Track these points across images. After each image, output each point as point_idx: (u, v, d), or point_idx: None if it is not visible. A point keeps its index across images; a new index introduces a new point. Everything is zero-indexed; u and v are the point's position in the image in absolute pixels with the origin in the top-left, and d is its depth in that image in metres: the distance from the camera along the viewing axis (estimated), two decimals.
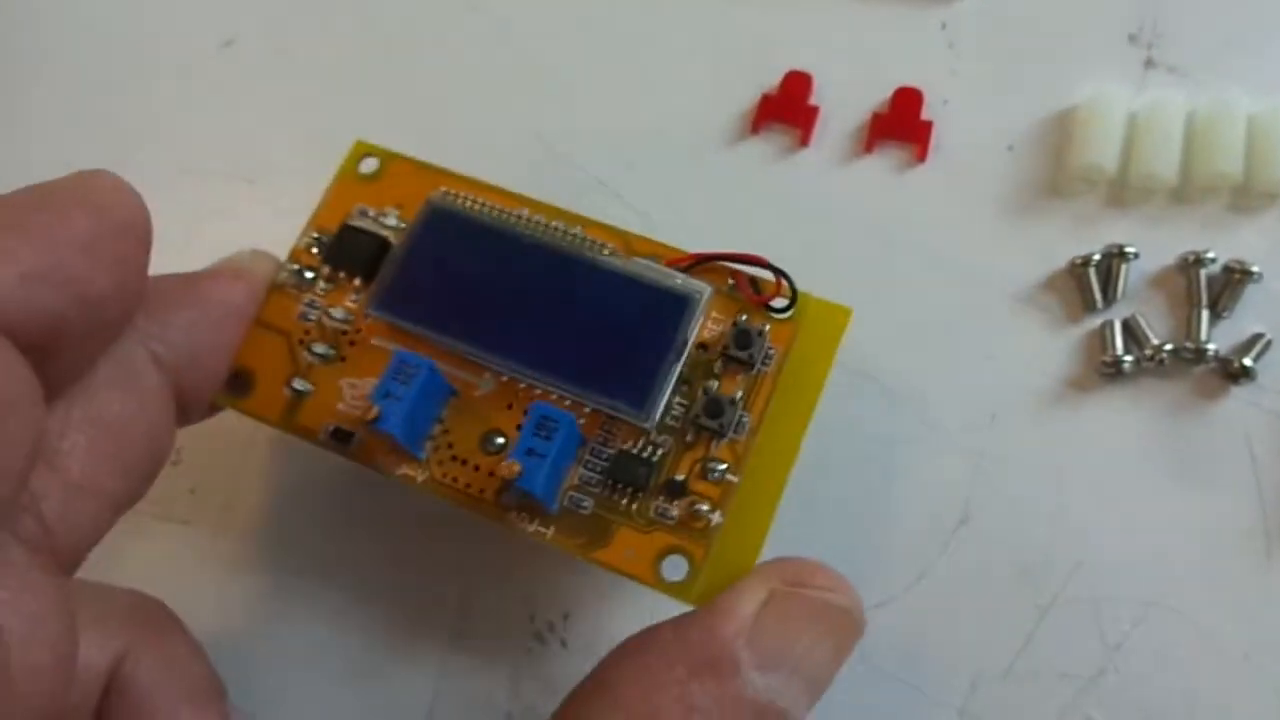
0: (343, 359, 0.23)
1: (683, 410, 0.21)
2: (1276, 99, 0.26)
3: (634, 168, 0.28)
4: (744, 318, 0.22)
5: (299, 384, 0.23)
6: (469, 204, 0.24)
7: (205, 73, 0.30)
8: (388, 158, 0.25)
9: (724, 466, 0.21)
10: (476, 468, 0.22)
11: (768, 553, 0.21)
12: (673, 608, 0.20)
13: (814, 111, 0.27)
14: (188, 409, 0.22)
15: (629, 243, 0.23)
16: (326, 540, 0.26)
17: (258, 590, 0.26)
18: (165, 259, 0.28)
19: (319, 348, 0.23)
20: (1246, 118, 0.25)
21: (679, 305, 0.22)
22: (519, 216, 0.23)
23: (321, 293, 0.24)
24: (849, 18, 0.28)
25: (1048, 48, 0.27)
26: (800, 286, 0.22)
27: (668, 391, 0.21)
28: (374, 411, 0.21)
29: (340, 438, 0.22)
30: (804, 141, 0.27)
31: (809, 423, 0.21)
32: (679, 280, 0.22)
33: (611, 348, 0.22)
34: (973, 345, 0.25)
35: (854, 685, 0.24)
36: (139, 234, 0.18)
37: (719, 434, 0.21)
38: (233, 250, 0.24)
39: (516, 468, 0.20)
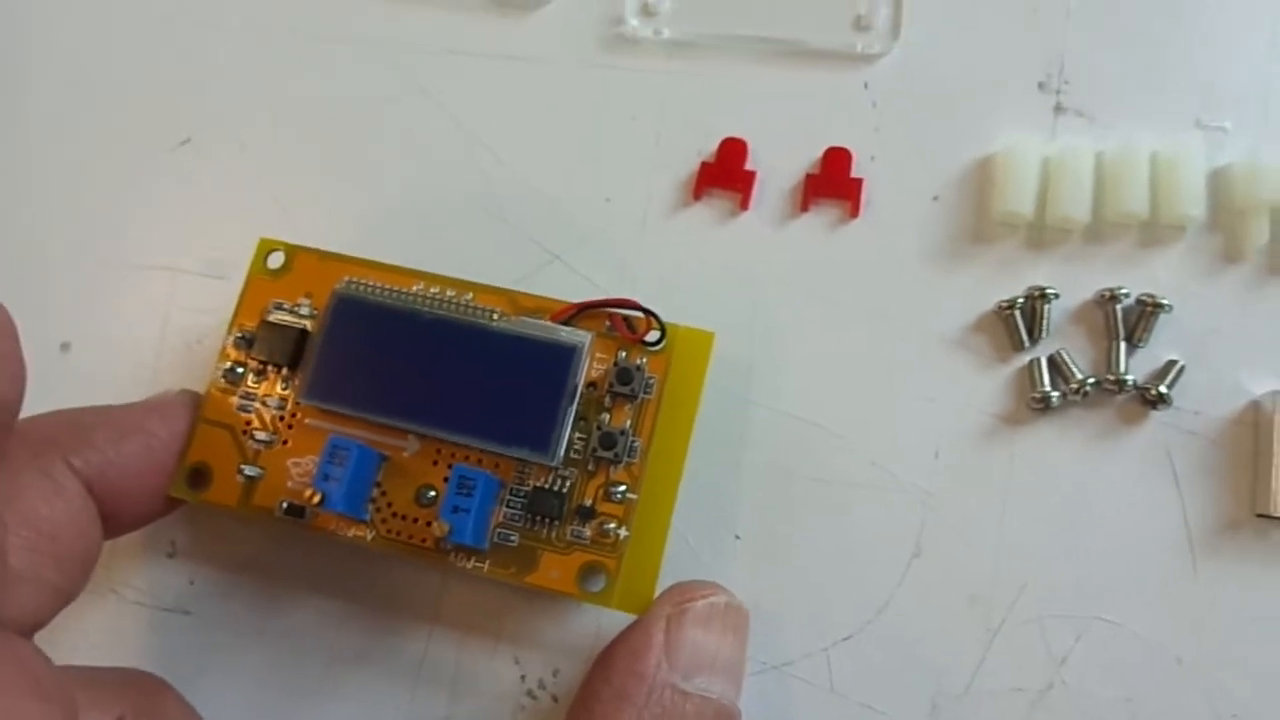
0: (284, 442, 0.26)
1: (583, 444, 0.25)
2: (1177, 136, 0.28)
3: (586, 240, 0.29)
4: (623, 355, 0.25)
5: (249, 470, 0.26)
6: (370, 289, 0.26)
7: (164, 171, 0.31)
8: (292, 251, 0.27)
9: (624, 488, 0.25)
10: (415, 520, 0.25)
11: (677, 558, 0.25)
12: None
13: (751, 176, 0.29)
14: (114, 521, 0.25)
15: (516, 301, 0.26)
16: (323, 620, 0.28)
17: (260, 676, 0.27)
18: (139, 355, 0.30)
19: (261, 435, 0.26)
20: (1150, 156, 0.27)
21: (565, 355, 0.25)
22: (416, 293, 0.26)
23: (254, 385, 0.27)
24: (778, 83, 0.30)
25: (964, 99, 0.29)
26: (744, 341, 0.24)
27: (567, 432, 0.25)
28: (317, 496, 0.24)
29: (294, 512, 0.25)
30: (744, 205, 0.29)
31: (692, 431, 0.25)
32: (563, 332, 0.25)
33: (513, 401, 0.25)
34: (912, 389, 0.27)
35: (823, 714, 0.26)
36: (6, 329, 0.21)
37: (615, 461, 0.25)
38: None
39: (446, 527, 0.24)
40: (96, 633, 0.28)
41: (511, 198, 0.30)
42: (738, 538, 0.27)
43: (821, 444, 0.27)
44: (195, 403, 0.27)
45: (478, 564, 0.25)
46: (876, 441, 0.27)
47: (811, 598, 0.26)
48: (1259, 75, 0.28)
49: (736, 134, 0.29)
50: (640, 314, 0.25)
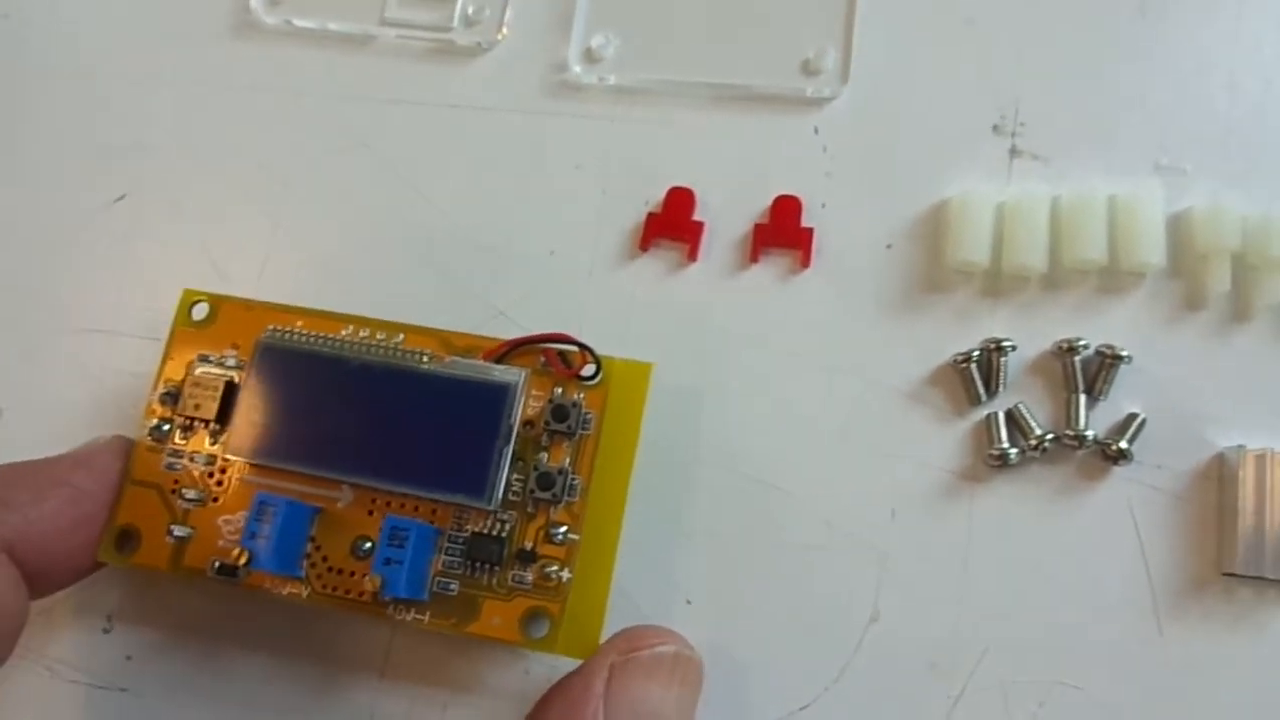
0: (214, 499, 0.25)
1: (521, 485, 0.24)
2: (1136, 179, 0.27)
3: (531, 295, 0.28)
4: (558, 391, 0.25)
5: (179, 530, 0.25)
6: (295, 337, 0.26)
7: (100, 229, 0.31)
8: (216, 301, 0.27)
9: (564, 528, 0.24)
10: (352, 573, 0.24)
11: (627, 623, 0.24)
12: None
13: (699, 226, 0.28)
14: (42, 580, 0.24)
15: (447, 341, 0.26)
16: (268, 679, 0.27)
17: None
18: (73, 420, 0.29)
19: (190, 493, 0.26)
20: (1108, 200, 0.27)
21: (499, 394, 0.24)
22: (344, 337, 0.26)
23: (181, 441, 0.26)
24: (726, 129, 0.29)
25: (916, 143, 0.28)
26: (693, 397, 0.25)
27: (504, 474, 0.24)
28: (244, 556, 0.24)
29: (225, 572, 0.24)
30: (692, 256, 0.28)
31: (633, 466, 0.24)
32: (495, 371, 0.25)
33: (447, 445, 0.24)
34: (867, 444, 0.26)
35: None
36: None
37: (555, 501, 0.24)
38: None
39: (378, 580, 0.23)
40: (29, 713, 0.27)
41: (454, 251, 0.29)
42: (689, 602, 0.26)
43: (774, 503, 0.26)
44: (128, 450, 0.26)
45: (418, 616, 0.24)
46: (831, 500, 0.26)
47: (766, 665, 0.25)
48: (1218, 116, 0.27)
49: (684, 182, 0.28)
50: (575, 348, 0.25)
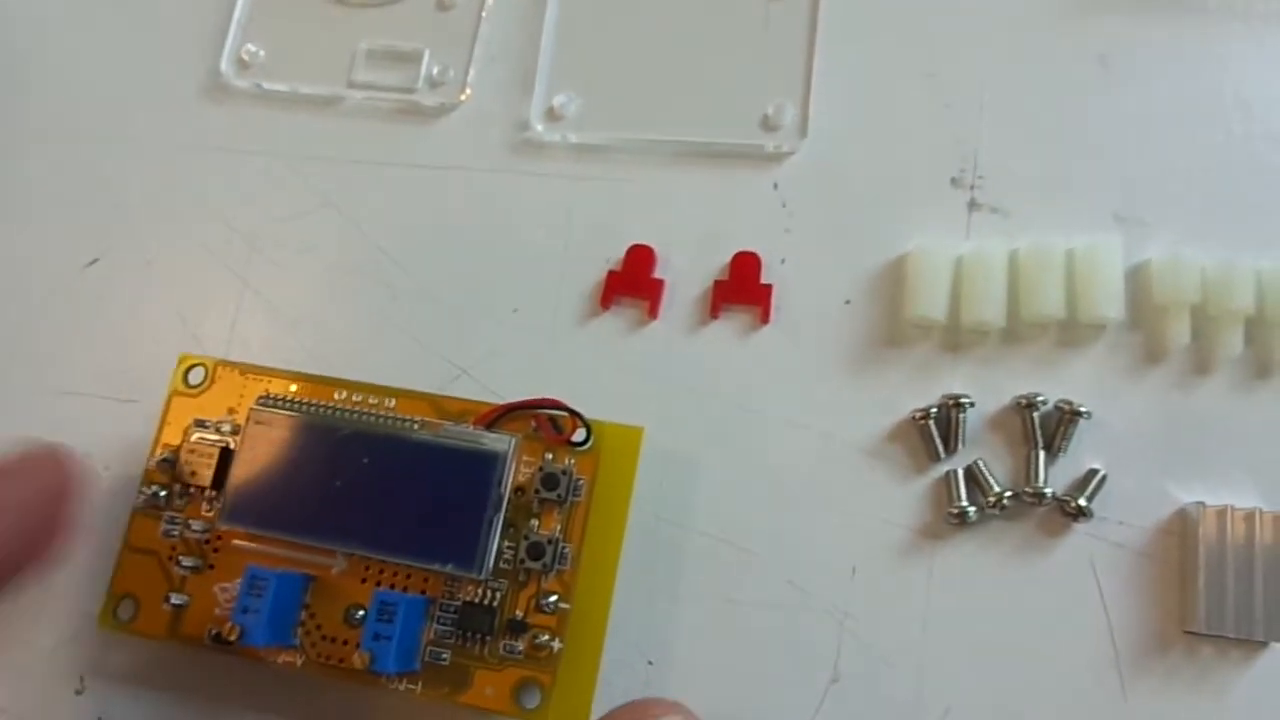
0: (211, 566, 0.26)
1: (512, 553, 0.24)
2: (1095, 232, 0.27)
3: (495, 353, 0.28)
4: (549, 457, 0.25)
5: (176, 598, 0.26)
6: (288, 404, 0.26)
7: (73, 292, 0.31)
8: (212, 366, 0.27)
9: (555, 597, 0.24)
10: (345, 642, 0.25)
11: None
12: None
13: (659, 284, 0.28)
14: None
15: (440, 405, 0.26)
16: None
17: None
18: None
19: (187, 560, 0.26)
20: (1066, 254, 0.26)
21: (489, 462, 0.24)
22: (337, 404, 0.26)
23: (179, 508, 0.26)
24: (687, 185, 0.29)
25: (875, 197, 0.28)
26: (651, 456, 0.25)
27: (494, 543, 0.24)
28: (236, 631, 0.24)
29: (221, 641, 0.24)
30: (652, 314, 0.28)
31: (625, 531, 0.25)
32: (487, 439, 0.25)
33: (438, 513, 0.24)
34: (828, 502, 0.26)
35: None
36: None
37: (546, 570, 0.24)
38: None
39: (367, 658, 0.23)
40: None
41: (418, 310, 0.29)
42: (650, 663, 0.26)
43: (735, 562, 0.26)
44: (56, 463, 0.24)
45: (410, 685, 0.24)
46: (792, 558, 0.26)
47: None
48: (1179, 167, 0.27)
49: (645, 239, 0.29)
50: (565, 414, 0.25)
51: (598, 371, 0.28)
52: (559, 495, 0.24)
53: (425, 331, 0.29)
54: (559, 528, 0.24)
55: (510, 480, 0.24)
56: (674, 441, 0.27)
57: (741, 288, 0.28)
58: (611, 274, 0.28)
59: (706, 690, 0.25)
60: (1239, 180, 0.27)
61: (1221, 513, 0.24)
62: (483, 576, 0.24)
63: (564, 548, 0.24)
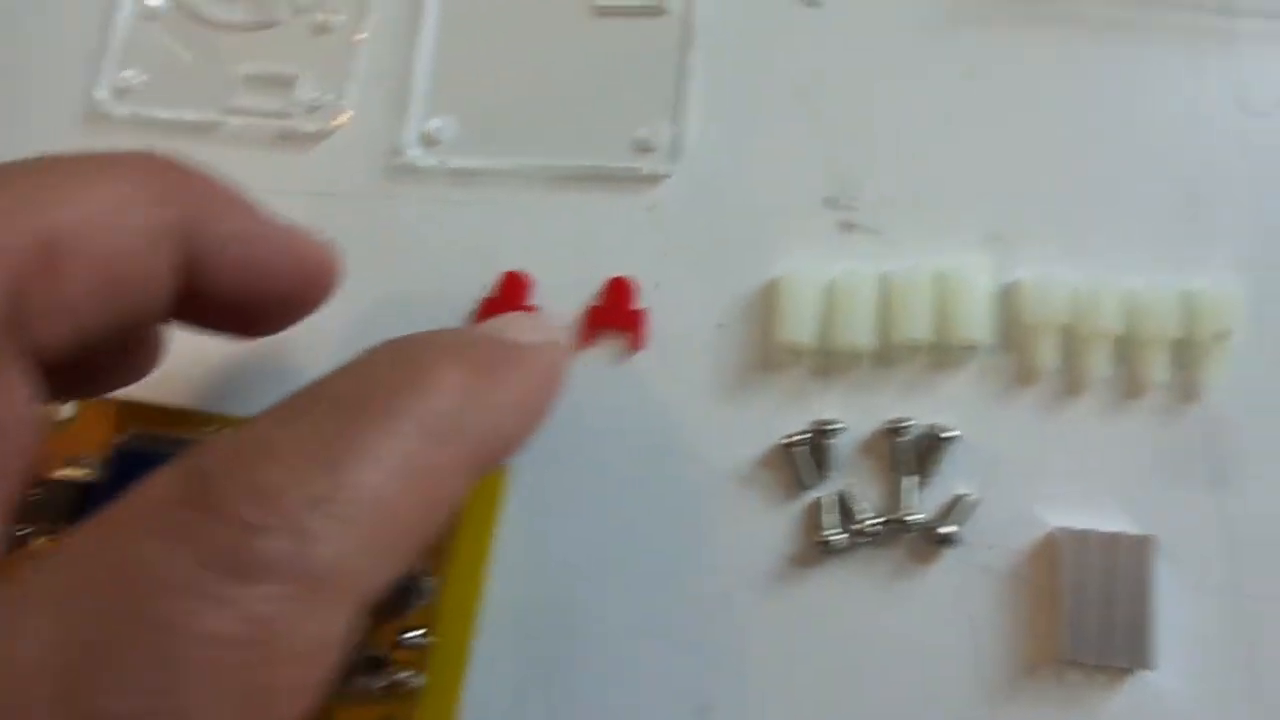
0: None
1: None
2: (966, 253, 0.26)
3: None
4: None
5: None
6: (154, 439, 0.25)
7: None
8: (83, 401, 0.26)
9: (418, 632, 0.24)
10: None
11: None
12: None
13: (533, 311, 0.28)
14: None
15: None
16: None
17: None
18: None
19: None
20: (936, 275, 0.26)
21: None
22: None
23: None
24: (562, 211, 0.28)
25: (749, 219, 0.28)
26: (522, 486, 0.25)
27: None
28: None
29: None
30: None
31: (488, 564, 0.25)
32: None
33: None
34: (700, 531, 0.26)
35: None
36: None
37: (408, 604, 0.24)
38: None
39: None
40: None
41: (294, 341, 0.29)
42: (514, 699, 0.26)
43: (604, 593, 0.26)
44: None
45: None
46: (662, 590, 0.26)
47: None
48: (1049, 186, 0.27)
49: (521, 265, 0.28)
50: None
51: None
52: None
53: (300, 364, 0.28)
54: (422, 561, 0.24)
55: None
56: (545, 471, 0.27)
57: (615, 313, 0.27)
58: (487, 301, 0.28)
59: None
60: (1111, 199, 0.27)
61: (1083, 537, 0.24)
62: None
63: (427, 581, 0.24)
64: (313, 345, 0.29)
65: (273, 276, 0.23)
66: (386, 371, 0.19)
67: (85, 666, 0.15)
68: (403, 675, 0.23)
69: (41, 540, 0.25)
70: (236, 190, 0.23)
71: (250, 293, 0.22)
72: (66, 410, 0.26)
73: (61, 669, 0.15)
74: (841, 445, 0.26)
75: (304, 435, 0.17)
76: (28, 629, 0.15)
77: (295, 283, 0.23)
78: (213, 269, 0.21)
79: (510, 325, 0.23)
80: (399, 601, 0.24)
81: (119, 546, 0.16)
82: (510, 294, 0.28)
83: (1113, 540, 0.24)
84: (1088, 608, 0.23)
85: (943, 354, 0.26)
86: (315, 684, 0.16)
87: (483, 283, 0.28)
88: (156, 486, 0.16)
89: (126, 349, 0.24)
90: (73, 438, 0.26)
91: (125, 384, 0.25)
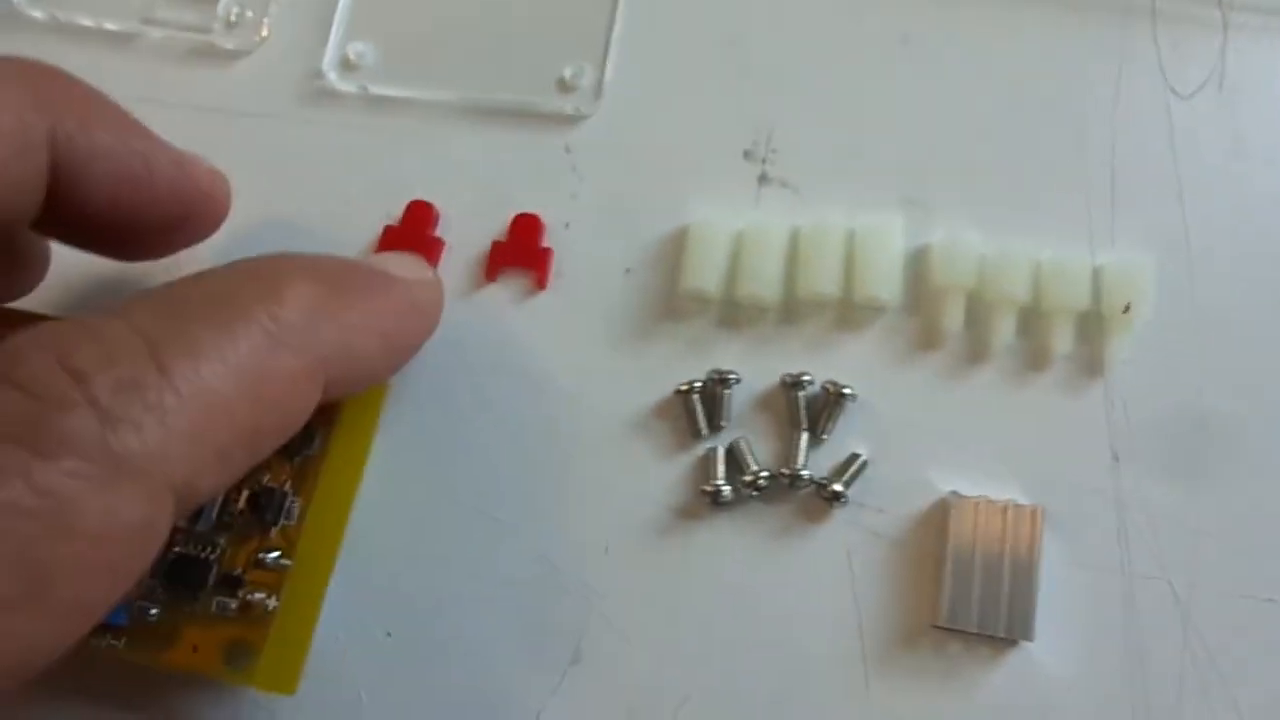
0: None
1: (234, 504, 0.23)
2: (875, 215, 0.26)
3: None
4: None
5: None
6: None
7: None
8: None
9: (276, 554, 0.23)
10: None
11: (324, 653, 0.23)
12: None
13: (438, 244, 0.27)
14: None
15: None
16: None
17: None
18: None
19: None
20: (847, 233, 0.26)
21: None
22: None
23: None
24: (478, 144, 0.28)
25: (666, 165, 0.27)
26: (415, 419, 0.24)
27: None
28: None
29: None
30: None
31: (356, 493, 0.24)
32: None
33: None
34: (589, 477, 0.25)
35: None
36: None
37: (270, 524, 0.23)
38: None
39: None
40: None
41: (198, 254, 0.28)
42: (389, 634, 0.25)
43: (490, 533, 0.25)
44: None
45: (112, 641, 0.22)
46: (547, 533, 0.25)
47: (459, 705, 0.24)
48: (966, 152, 0.26)
49: (432, 197, 0.27)
50: None
51: None
52: (289, 446, 0.22)
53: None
54: (288, 481, 0.23)
55: None
56: (440, 405, 0.26)
57: (520, 250, 0.27)
58: (388, 229, 0.27)
59: (444, 665, 0.24)
60: (1028, 170, 0.26)
61: (975, 504, 0.23)
62: (200, 527, 0.23)
63: (293, 502, 0.23)
64: (212, 262, 0.28)
65: (151, 199, 0.22)
66: (241, 281, 0.19)
67: None
68: (257, 596, 0.22)
69: None
70: (123, 110, 0.22)
71: (125, 213, 0.22)
72: None
73: None
74: (738, 396, 0.25)
75: (137, 325, 0.17)
76: None
77: (175, 208, 0.23)
78: (85, 183, 0.21)
79: (388, 260, 0.23)
80: (260, 520, 0.23)
81: None
82: (415, 223, 0.27)
83: (1005, 509, 0.23)
84: (971, 575, 0.23)
85: (848, 312, 0.26)
86: (108, 569, 0.16)
87: (389, 211, 0.27)
88: None
89: (7, 260, 0.23)
90: None
91: (12, 297, 0.24)
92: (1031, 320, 0.25)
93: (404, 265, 0.23)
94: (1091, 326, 0.25)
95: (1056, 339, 0.24)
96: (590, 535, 0.25)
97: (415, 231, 0.27)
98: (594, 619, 0.24)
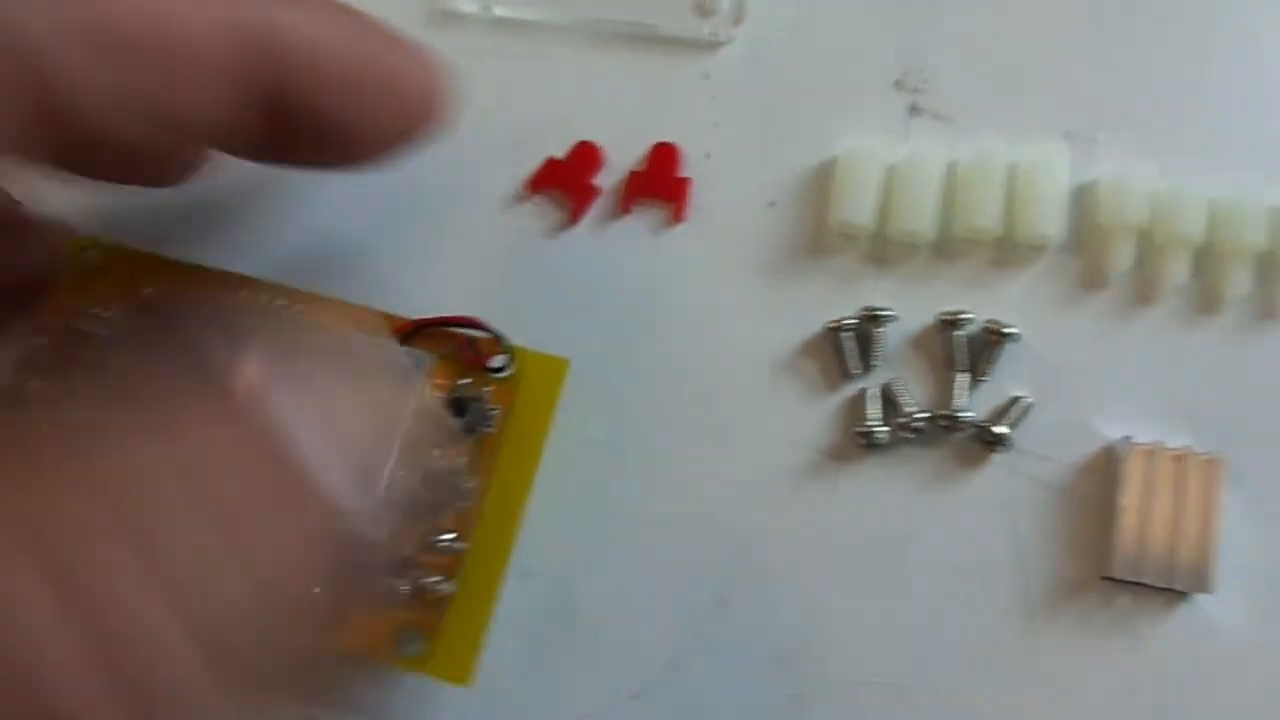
0: None
1: (407, 483, 0.21)
2: (1038, 148, 0.25)
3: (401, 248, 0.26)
4: (462, 383, 0.22)
5: None
6: (177, 299, 0.23)
7: None
8: (108, 249, 0.23)
9: (451, 536, 0.21)
10: None
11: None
12: None
13: (592, 190, 0.25)
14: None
15: (354, 315, 0.23)
16: None
17: None
18: None
19: None
20: (1009, 167, 0.24)
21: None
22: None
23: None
24: (606, 69, 0.26)
25: (811, 95, 0.26)
26: (548, 352, 0.22)
27: (387, 469, 0.20)
28: None
29: None
30: (574, 218, 0.25)
31: (536, 473, 0.22)
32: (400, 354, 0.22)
33: None
34: (732, 416, 0.24)
35: None
36: None
37: (443, 505, 0.21)
38: None
39: None
40: None
41: (322, 208, 0.26)
42: (527, 576, 0.24)
43: (629, 476, 0.24)
44: None
45: None
46: (693, 476, 0.24)
47: (599, 647, 0.23)
48: (1136, 85, 0.25)
49: (564, 124, 0.26)
50: (485, 334, 0.22)
51: (502, 264, 0.25)
52: (466, 424, 0.21)
53: (331, 222, 0.26)
54: (463, 460, 0.22)
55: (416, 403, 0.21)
56: (576, 349, 0.24)
57: (658, 181, 0.25)
58: (551, 162, 0.26)
59: (584, 607, 0.23)
60: (1202, 101, 0.25)
61: (1150, 452, 0.22)
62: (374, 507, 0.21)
63: (468, 482, 0.21)
64: (349, 208, 0.26)
65: (360, 94, 0.20)
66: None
67: None
68: (431, 580, 0.21)
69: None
70: None
71: (332, 111, 0.19)
72: (88, 259, 0.24)
73: None
74: (892, 335, 0.24)
75: None
76: None
77: (389, 107, 0.20)
78: (294, 80, 0.19)
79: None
80: (434, 502, 0.21)
81: None
82: (579, 161, 0.26)
83: (1183, 457, 0.22)
84: (1147, 525, 0.22)
85: (1008, 250, 0.24)
86: None
87: (519, 139, 0.26)
88: None
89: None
90: (104, 287, 0.23)
91: (150, 185, 0.22)
92: (1204, 261, 0.24)
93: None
94: (1270, 268, 0.23)
95: (1232, 281, 0.23)
96: (737, 476, 0.24)
97: (577, 169, 0.26)
98: (741, 563, 0.23)
